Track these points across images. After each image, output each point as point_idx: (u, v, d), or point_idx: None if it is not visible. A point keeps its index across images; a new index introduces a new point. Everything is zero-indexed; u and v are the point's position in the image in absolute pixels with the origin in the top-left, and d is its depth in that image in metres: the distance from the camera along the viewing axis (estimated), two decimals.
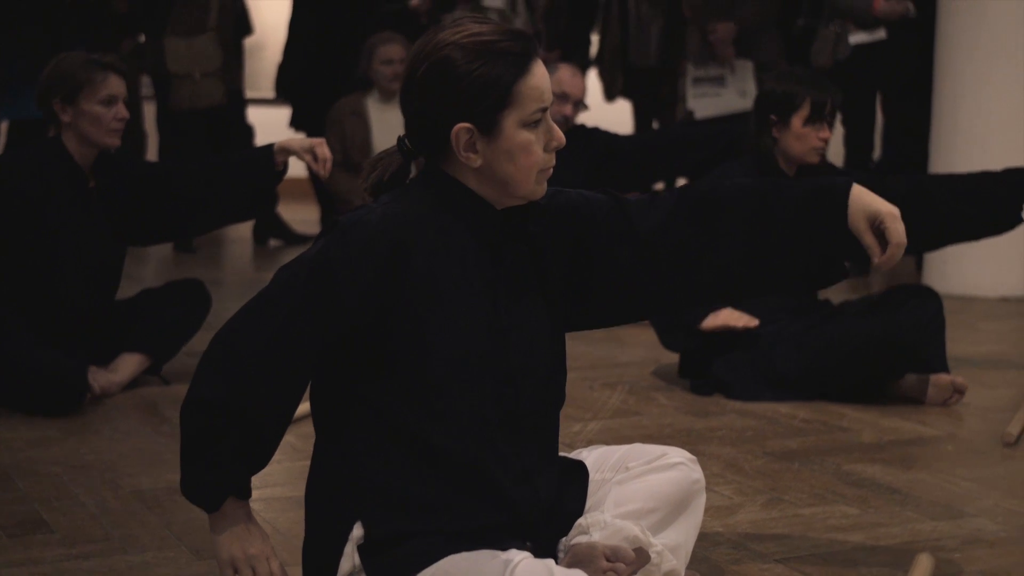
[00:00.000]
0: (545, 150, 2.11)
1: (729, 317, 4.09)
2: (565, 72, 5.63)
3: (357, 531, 2.07)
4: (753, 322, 4.09)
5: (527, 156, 2.08)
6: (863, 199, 2.23)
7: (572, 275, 2.25)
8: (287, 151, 4.04)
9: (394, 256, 2.03)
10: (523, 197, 2.13)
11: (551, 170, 2.14)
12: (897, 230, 2.21)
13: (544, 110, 2.09)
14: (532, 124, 2.08)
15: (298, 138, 4.09)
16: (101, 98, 3.93)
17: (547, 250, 2.22)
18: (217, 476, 2.09)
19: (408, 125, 2.14)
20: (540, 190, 2.14)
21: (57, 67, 3.97)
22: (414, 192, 2.12)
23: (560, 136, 2.12)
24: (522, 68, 2.06)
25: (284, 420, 2.11)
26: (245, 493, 2.13)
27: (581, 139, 5.53)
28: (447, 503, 2.08)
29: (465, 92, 2.04)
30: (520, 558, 1.98)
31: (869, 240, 2.23)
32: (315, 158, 3.99)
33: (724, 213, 2.26)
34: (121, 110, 3.97)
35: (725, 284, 2.30)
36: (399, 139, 2.16)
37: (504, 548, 2.04)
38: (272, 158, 4.05)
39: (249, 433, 2.06)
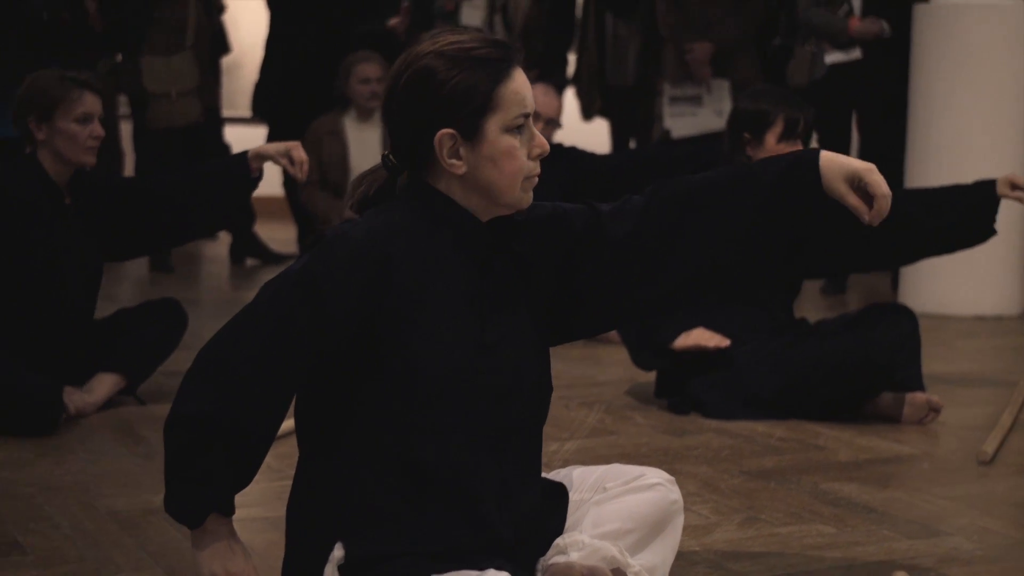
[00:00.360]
0: (529, 157, 2.11)
1: (700, 337, 4.09)
2: (539, 91, 5.64)
3: (338, 552, 2.07)
4: (724, 342, 4.09)
5: (511, 161, 2.08)
6: (835, 162, 2.20)
7: (556, 286, 2.25)
8: (262, 157, 4.04)
9: (379, 270, 2.03)
10: (508, 205, 2.13)
11: (536, 179, 2.14)
12: (879, 182, 2.19)
13: (527, 116, 2.10)
14: (515, 129, 2.09)
15: (273, 144, 4.08)
16: (76, 116, 3.93)
17: (530, 263, 2.22)
18: (201, 492, 2.07)
19: (392, 137, 2.14)
20: (526, 199, 2.14)
21: (32, 85, 3.96)
22: (399, 206, 2.13)
23: (544, 144, 2.12)
24: (503, 73, 2.08)
25: (269, 436, 2.10)
26: (229, 510, 2.12)
27: (557, 158, 5.54)
28: (429, 524, 2.08)
29: (447, 97, 2.05)
30: None
31: (854, 201, 2.20)
32: (291, 161, 3.99)
33: (696, 207, 2.23)
34: (96, 128, 3.96)
35: (706, 279, 2.27)
36: (383, 155, 2.16)
37: (483, 568, 2.03)
38: (247, 164, 4.05)
39: (234, 448, 2.05)
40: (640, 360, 4.28)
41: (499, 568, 2.04)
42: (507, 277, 2.19)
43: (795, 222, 2.24)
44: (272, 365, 2.04)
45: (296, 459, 2.22)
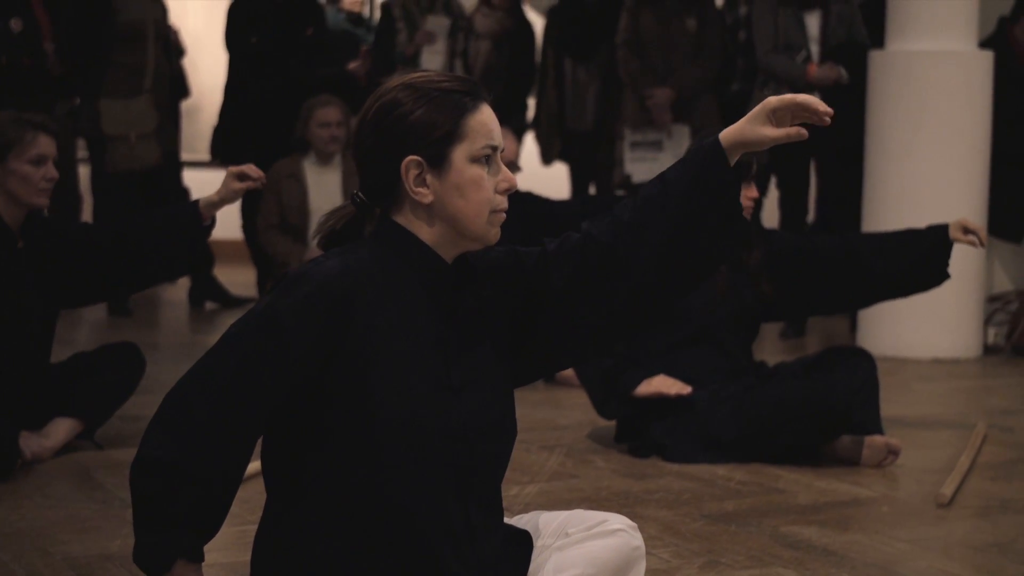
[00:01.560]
0: (496, 191, 2.12)
1: (662, 384, 4.10)
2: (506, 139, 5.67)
3: None
4: (686, 389, 4.10)
5: (478, 191, 2.09)
6: (733, 130, 2.16)
7: (514, 327, 2.25)
8: (213, 205, 4.01)
9: (340, 308, 2.03)
10: (475, 238, 2.13)
11: (503, 214, 2.15)
12: (784, 96, 2.13)
13: (494, 148, 2.11)
14: (482, 160, 2.10)
15: (219, 188, 3.99)
16: (30, 157, 3.91)
17: (492, 305, 2.22)
18: (167, 538, 2.05)
19: (360, 170, 2.15)
20: (493, 233, 2.14)
21: None
22: (365, 245, 2.13)
23: (512, 179, 2.14)
24: (471, 105, 2.10)
25: (235, 479, 2.08)
26: (197, 556, 2.09)
27: (514, 203, 5.53)
28: (391, 567, 2.07)
29: (413, 125, 2.07)
30: None
31: (777, 133, 2.13)
32: (241, 179, 3.95)
33: (627, 227, 2.20)
34: (50, 170, 3.94)
35: (652, 291, 2.24)
36: (352, 193, 2.17)
37: None
38: (198, 213, 4.02)
39: (200, 493, 2.04)
40: (604, 410, 4.28)
41: None
42: (472, 319, 2.19)
43: (717, 201, 2.18)
44: (236, 406, 2.03)
45: (259, 503, 2.20)
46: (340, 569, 2.06)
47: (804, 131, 2.15)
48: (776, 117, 2.14)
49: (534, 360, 2.29)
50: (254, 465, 2.63)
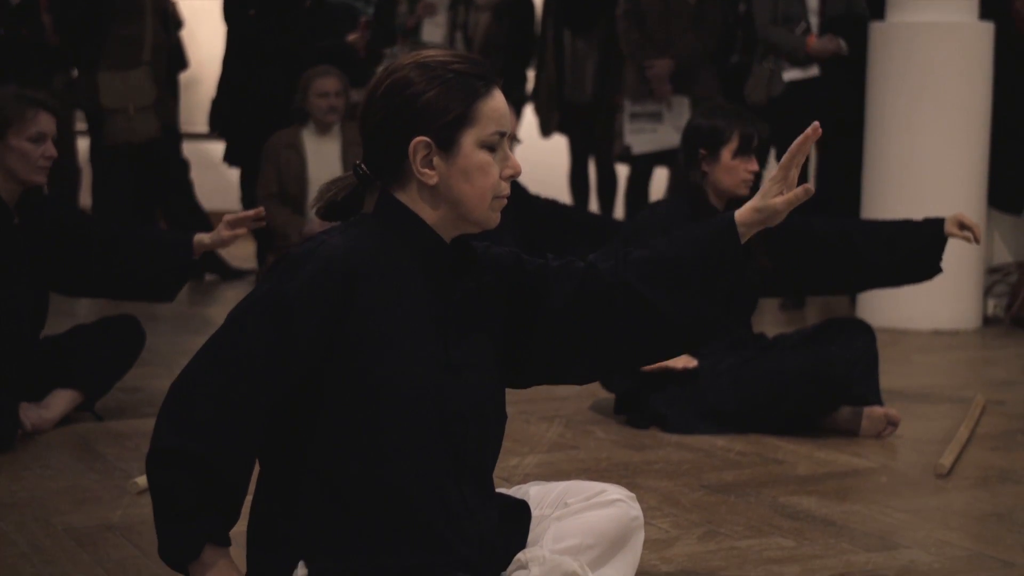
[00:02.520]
0: (501, 176, 2.12)
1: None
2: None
3: (301, 571, 2.05)
4: (692, 363, 4.10)
5: (483, 177, 2.09)
6: (747, 210, 2.23)
7: (509, 323, 2.26)
8: (203, 245, 4.06)
9: (346, 287, 2.03)
10: (476, 222, 2.13)
11: (505, 200, 2.15)
12: (775, 173, 2.23)
13: (503, 135, 2.11)
14: (490, 146, 2.09)
15: (208, 234, 4.06)
16: (30, 135, 3.89)
17: (491, 292, 2.23)
18: (192, 525, 2.02)
19: (366, 145, 2.14)
20: (494, 218, 2.14)
21: None
22: (366, 222, 2.12)
23: (517, 165, 2.14)
24: (483, 89, 2.10)
25: (249, 463, 2.07)
26: (224, 540, 2.06)
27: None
28: (391, 542, 2.07)
29: (425, 106, 2.07)
30: None
31: (788, 198, 2.21)
32: (233, 226, 3.98)
33: (626, 294, 2.24)
34: (49, 148, 3.94)
35: (636, 355, 2.33)
36: (355, 164, 2.16)
37: None
38: (191, 245, 4.07)
39: (217, 479, 2.01)
40: (608, 383, 4.29)
41: None
42: (471, 302, 2.19)
43: (724, 282, 2.24)
44: (246, 394, 2.01)
45: (255, 476, 2.20)
46: (337, 544, 2.06)
47: (811, 188, 2.21)
48: (781, 185, 2.22)
49: (515, 366, 2.29)
50: None
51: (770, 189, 2.21)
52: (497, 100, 2.11)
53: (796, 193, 2.20)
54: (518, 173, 2.14)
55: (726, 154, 4.08)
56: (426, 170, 2.09)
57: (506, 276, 2.25)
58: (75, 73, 7.68)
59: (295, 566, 2.06)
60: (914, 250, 4.25)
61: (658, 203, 4.31)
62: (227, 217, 3.98)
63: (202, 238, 4.07)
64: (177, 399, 2.03)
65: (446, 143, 2.08)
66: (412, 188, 2.11)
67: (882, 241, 4.25)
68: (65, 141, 8.03)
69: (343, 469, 2.06)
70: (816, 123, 2.22)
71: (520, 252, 2.30)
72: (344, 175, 2.20)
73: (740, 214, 2.22)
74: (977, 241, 4.20)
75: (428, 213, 2.12)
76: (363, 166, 2.15)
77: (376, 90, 2.11)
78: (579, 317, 2.25)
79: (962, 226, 4.18)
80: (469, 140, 2.08)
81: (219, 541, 2.05)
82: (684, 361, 4.10)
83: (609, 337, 2.25)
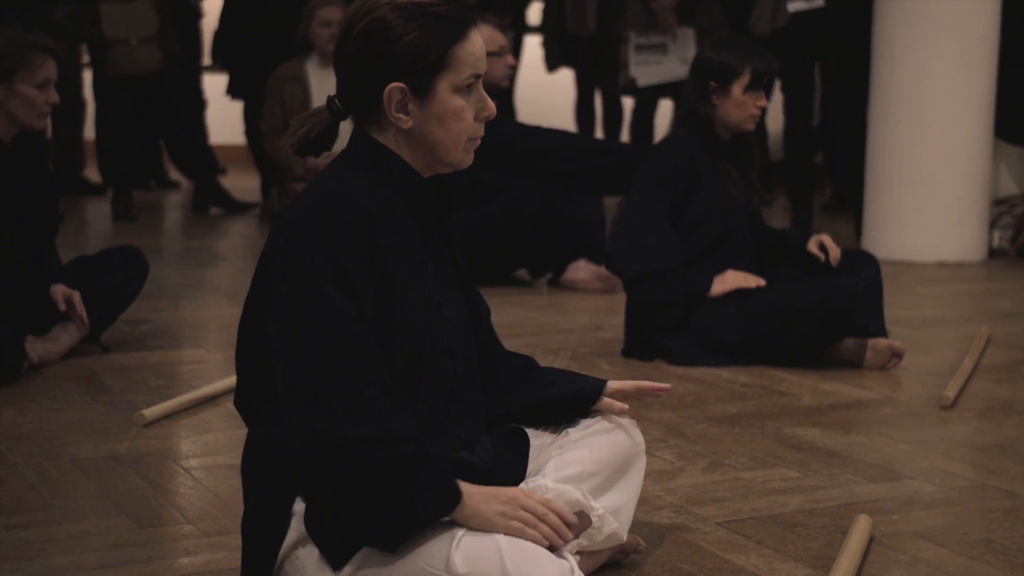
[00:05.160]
0: (476, 119, 2.10)
1: (736, 279, 4.11)
2: (483, 30, 5.60)
3: (299, 504, 2.06)
4: (761, 281, 4.12)
5: (458, 122, 2.07)
6: (619, 385, 2.42)
7: None
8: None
9: (370, 227, 2.00)
10: (450, 164, 2.12)
11: (479, 141, 2.13)
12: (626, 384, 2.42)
13: (478, 77, 2.08)
14: (464, 90, 2.07)
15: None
16: (37, 81, 3.88)
17: (453, 236, 2.26)
18: (437, 483, 1.95)
19: (340, 84, 2.11)
20: (467, 159, 2.13)
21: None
22: (353, 165, 2.10)
23: (491, 107, 2.11)
24: (460, 33, 2.06)
25: (411, 412, 2.05)
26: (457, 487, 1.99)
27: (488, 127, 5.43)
28: None
29: (401, 52, 2.03)
30: (464, 530, 1.97)
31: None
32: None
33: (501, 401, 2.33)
34: (53, 94, 3.92)
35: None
36: (328, 98, 2.13)
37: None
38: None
39: (407, 441, 1.95)
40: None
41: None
42: (443, 240, 2.20)
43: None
44: (370, 359, 1.96)
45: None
46: None
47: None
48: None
49: None
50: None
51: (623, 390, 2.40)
52: (474, 43, 2.07)
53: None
54: (492, 114, 2.11)
55: (737, 89, 4.06)
56: (400, 115, 2.06)
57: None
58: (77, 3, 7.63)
59: (293, 500, 2.05)
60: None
61: (666, 141, 4.27)
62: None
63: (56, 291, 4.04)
64: (314, 397, 1.94)
65: (421, 88, 2.04)
66: (386, 129, 2.09)
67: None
68: (70, 74, 8.01)
69: None
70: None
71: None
72: (317, 109, 2.16)
73: (612, 383, 2.37)
74: (834, 265, 4.19)
75: (405, 153, 2.10)
76: (336, 102, 2.12)
77: (351, 29, 2.06)
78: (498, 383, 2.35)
79: (822, 246, 4.19)
80: (444, 85, 2.05)
81: (452, 478, 1.99)
82: (754, 280, 4.11)
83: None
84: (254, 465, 2.13)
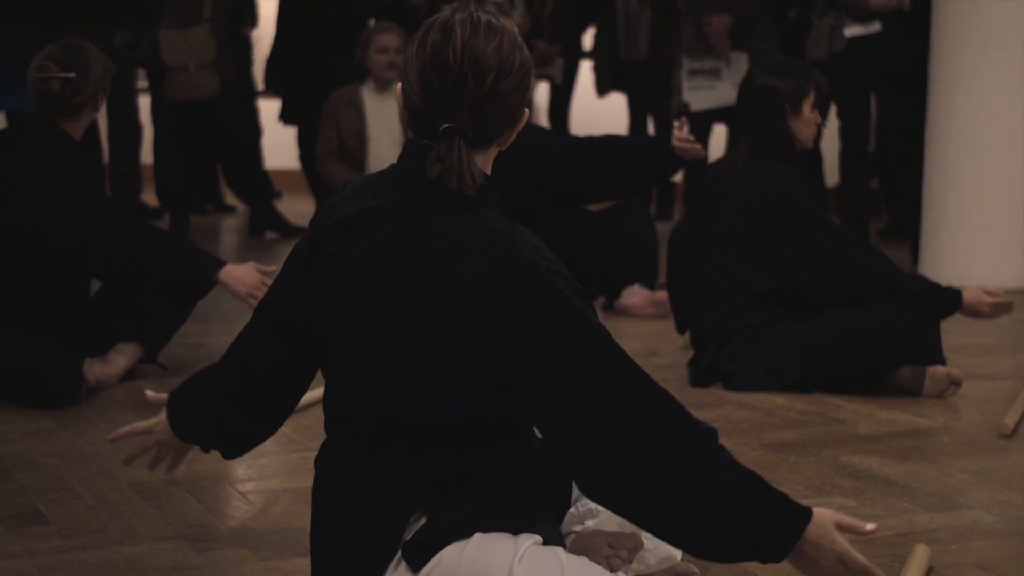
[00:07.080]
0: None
1: (980, 298, 4.26)
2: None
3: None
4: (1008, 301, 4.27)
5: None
6: None
7: None
8: (223, 284, 4.06)
9: None
10: None
11: None
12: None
13: None
14: None
15: (240, 278, 4.05)
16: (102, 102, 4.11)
17: None
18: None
19: (488, 115, 2.06)
20: None
21: (107, 65, 4.06)
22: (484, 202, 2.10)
23: None
24: None
25: None
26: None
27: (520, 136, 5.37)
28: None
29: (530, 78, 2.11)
30: (527, 544, 1.97)
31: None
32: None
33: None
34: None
35: None
36: (460, 130, 2.05)
37: (516, 532, 2.02)
38: (211, 277, 4.05)
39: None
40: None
41: (530, 533, 2.03)
42: None
43: None
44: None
45: (318, 429, 2.21)
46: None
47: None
48: None
49: None
50: (313, 394, 2.65)
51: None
52: None
53: None
54: None
55: (806, 107, 4.15)
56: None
57: None
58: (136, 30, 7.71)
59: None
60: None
61: (775, 175, 4.16)
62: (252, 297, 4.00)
63: (231, 282, 4.06)
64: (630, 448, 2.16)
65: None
66: (492, 155, 2.11)
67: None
68: (127, 99, 8.09)
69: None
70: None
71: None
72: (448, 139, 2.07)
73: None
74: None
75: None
76: (471, 133, 2.05)
77: (510, 63, 2.04)
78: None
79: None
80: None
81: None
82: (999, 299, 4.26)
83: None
84: (369, 486, 2.07)
